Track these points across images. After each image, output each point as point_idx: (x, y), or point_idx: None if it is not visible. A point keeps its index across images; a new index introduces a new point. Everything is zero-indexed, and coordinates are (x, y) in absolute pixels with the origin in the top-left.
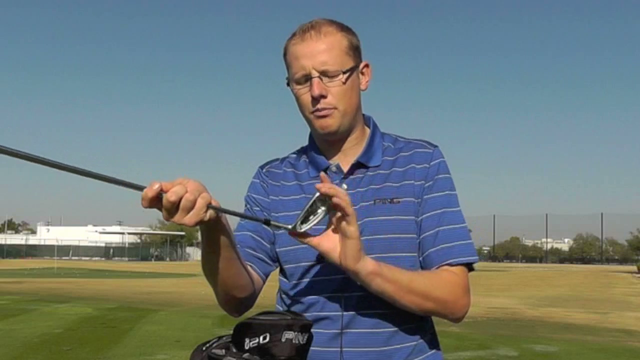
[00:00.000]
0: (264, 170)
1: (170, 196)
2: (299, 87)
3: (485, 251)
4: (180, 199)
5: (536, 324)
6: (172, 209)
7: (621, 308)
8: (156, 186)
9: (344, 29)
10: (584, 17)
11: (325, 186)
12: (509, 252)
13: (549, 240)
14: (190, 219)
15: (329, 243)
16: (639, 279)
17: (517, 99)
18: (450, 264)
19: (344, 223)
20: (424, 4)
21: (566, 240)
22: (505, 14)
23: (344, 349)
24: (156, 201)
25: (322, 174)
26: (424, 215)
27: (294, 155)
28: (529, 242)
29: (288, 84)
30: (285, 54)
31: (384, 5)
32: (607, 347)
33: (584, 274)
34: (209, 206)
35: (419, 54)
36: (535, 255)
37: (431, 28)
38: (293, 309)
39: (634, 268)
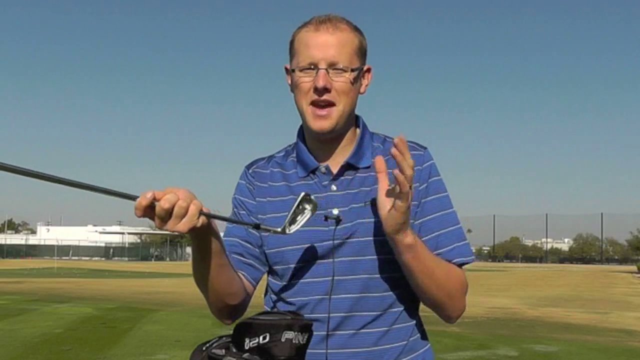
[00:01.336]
0: (250, 170)
1: (163, 204)
2: (301, 74)
3: (485, 251)
4: (173, 206)
5: (536, 324)
6: (166, 216)
7: (621, 308)
8: (149, 195)
9: (357, 29)
10: (583, 17)
11: (402, 151)
12: (509, 252)
13: (549, 240)
14: (183, 225)
15: (383, 198)
16: (639, 279)
17: (517, 99)
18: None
19: (397, 198)
20: (423, 3)
21: (566, 240)
22: (507, 14)
23: (331, 351)
24: (149, 210)
25: (379, 159)
26: (424, 219)
27: (281, 154)
28: (529, 242)
29: (287, 73)
30: (292, 41)
31: (381, 5)
32: (607, 347)
33: (584, 274)
34: (200, 212)
35: (421, 54)
36: (535, 255)
37: (434, 29)
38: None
39: (634, 268)
